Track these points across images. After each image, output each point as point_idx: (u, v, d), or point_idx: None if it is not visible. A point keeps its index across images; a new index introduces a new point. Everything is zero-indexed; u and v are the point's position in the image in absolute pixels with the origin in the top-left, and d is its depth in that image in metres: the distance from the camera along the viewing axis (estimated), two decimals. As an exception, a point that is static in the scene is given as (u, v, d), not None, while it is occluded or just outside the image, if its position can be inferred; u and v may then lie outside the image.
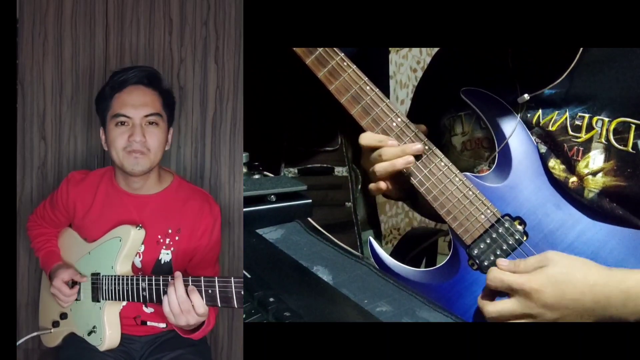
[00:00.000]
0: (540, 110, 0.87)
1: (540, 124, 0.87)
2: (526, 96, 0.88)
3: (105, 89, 1.14)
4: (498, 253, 0.84)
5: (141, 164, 1.11)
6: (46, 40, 1.48)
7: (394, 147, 0.88)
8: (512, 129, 0.88)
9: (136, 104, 1.10)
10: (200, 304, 0.92)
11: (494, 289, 0.78)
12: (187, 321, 0.94)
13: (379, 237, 1.43)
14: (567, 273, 0.74)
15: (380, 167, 0.89)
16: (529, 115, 0.88)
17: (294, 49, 0.91)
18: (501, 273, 0.78)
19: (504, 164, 0.88)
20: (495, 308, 0.77)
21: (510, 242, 0.84)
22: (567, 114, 0.84)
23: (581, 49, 0.85)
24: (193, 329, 1.03)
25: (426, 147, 0.88)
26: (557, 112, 0.86)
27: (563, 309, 0.73)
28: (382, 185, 0.91)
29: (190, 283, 0.93)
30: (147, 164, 1.12)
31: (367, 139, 0.90)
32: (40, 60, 1.49)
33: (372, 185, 0.94)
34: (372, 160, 0.90)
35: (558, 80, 0.86)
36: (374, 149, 0.89)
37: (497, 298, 0.80)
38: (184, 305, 0.92)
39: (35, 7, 1.47)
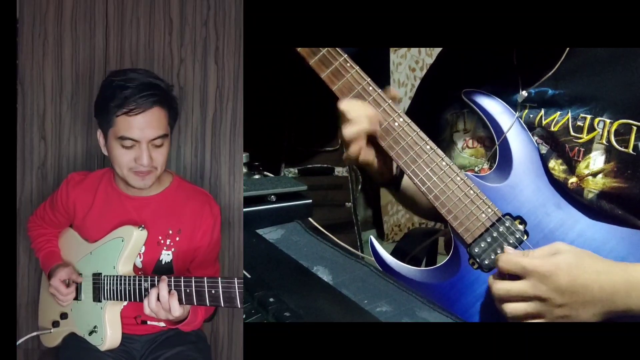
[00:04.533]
0: (542, 110, 0.88)
1: (543, 125, 0.87)
2: (524, 93, 0.88)
3: (107, 102, 1.05)
4: (498, 252, 0.84)
5: (147, 181, 1.10)
6: (46, 40, 1.48)
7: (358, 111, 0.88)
8: (510, 124, 0.89)
9: (143, 127, 1.04)
10: (176, 308, 0.96)
11: (507, 271, 0.76)
12: (166, 317, 0.99)
13: (381, 236, 1.43)
14: (578, 259, 0.75)
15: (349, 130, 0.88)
16: (531, 115, 0.89)
17: (298, 50, 0.91)
18: (514, 256, 0.77)
19: (505, 164, 0.89)
20: (504, 286, 0.76)
21: (511, 241, 0.84)
22: (569, 114, 0.85)
23: (567, 49, 0.86)
24: (179, 321, 1.06)
25: (428, 147, 0.88)
26: (559, 112, 0.86)
27: (573, 294, 0.73)
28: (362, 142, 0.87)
29: (193, 284, 0.94)
30: (153, 179, 1.11)
31: (345, 104, 0.89)
32: (40, 60, 1.49)
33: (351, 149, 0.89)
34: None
35: (546, 76, 0.87)
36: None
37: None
38: (165, 306, 0.97)
39: (35, 7, 1.47)
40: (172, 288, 0.97)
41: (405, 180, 1.02)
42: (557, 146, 0.85)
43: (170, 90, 1.11)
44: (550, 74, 0.87)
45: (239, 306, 0.87)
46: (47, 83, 1.50)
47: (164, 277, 0.97)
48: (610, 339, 0.68)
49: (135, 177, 1.09)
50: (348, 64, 0.90)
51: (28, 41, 1.48)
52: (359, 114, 0.87)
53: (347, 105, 0.88)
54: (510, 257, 0.76)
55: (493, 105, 0.91)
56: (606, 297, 0.73)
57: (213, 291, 0.91)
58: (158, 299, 0.97)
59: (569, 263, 0.74)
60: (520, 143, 0.88)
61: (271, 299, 0.67)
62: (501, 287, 0.76)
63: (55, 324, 1.21)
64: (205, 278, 0.93)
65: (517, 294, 0.75)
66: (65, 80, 1.49)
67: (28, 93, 1.49)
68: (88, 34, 1.48)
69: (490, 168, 0.93)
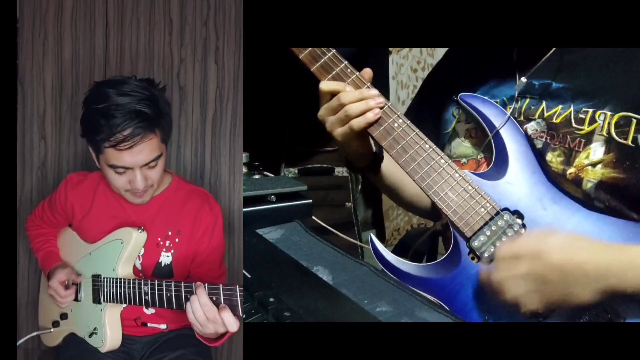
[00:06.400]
0: (544, 103, 0.89)
1: (545, 117, 0.89)
2: (523, 79, 0.90)
3: (92, 134, 1.01)
4: (498, 245, 0.86)
5: (145, 198, 1.10)
6: (46, 40, 1.48)
7: (352, 92, 0.88)
8: (503, 122, 0.91)
9: (134, 154, 1.00)
10: (232, 321, 0.87)
11: (504, 260, 0.78)
12: (215, 329, 0.90)
13: (382, 237, 1.43)
14: (572, 239, 0.77)
15: (355, 107, 0.87)
16: (532, 107, 0.91)
17: (300, 57, 0.92)
18: (508, 244, 0.79)
19: (501, 161, 0.91)
20: (502, 272, 0.78)
21: (510, 234, 0.85)
22: (572, 108, 0.86)
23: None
24: (218, 337, 0.99)
25: (427, 146, 0.89)
26: (561, 106, 0.88)
27: (567, 273, 0.74)
28: (370, 116, 0.87)
29: (194, 289, 0.91)
30: (151, 194, 1.11)
31: (326, 84, 0.90)
32: (40, 60, 1.49)
33: (343, 128, 0.89)
34: (331, 107, 0.90)
35: (541, 61, 0.88)
36: (333, 95, 0.90)
37: None
38: (210, 314, 0.89)
39: (35, 7, 1.47)
40: (172, 292, 0.96)
41: (386, 167, 1.03)
42: (557, 137, 0.87)
43: (161, 100, 1.06)
44: (544, 58, 0.89)
45: (241, 314, 0.86)
46: (47, 83, 1.49)
47: (200, 283, 0.90)
48: (609, 339, 0.68)
49: (133, 197, 1.09)
50: (349, 70, 0.91)
51: (28, 41, 1.48)
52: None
53: (330, 86, 0.89)
54: (504, 246, 0.79)
55: (487, 109, 0.93)
56: (601, 276, 0.74)
57: (214, 298, 0.89)
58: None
59: (563, 242, 0.76)
60: (515, 141, 0.90)
61: (271, 299, 0.67)
62: (500, 271, 0.78)
63: (55, 324, 1.21)
64: (207, 284, 0.90)
65: (515, 274, 0.76)
66: (65, 80, 1.49)
67: (28, 93, 1.49)
68: (88, 34, 1.48)
69: (486, 159, 0.95)
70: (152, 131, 1.02)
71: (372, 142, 0.99)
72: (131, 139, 0.98)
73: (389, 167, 1.04)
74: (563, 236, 0.77)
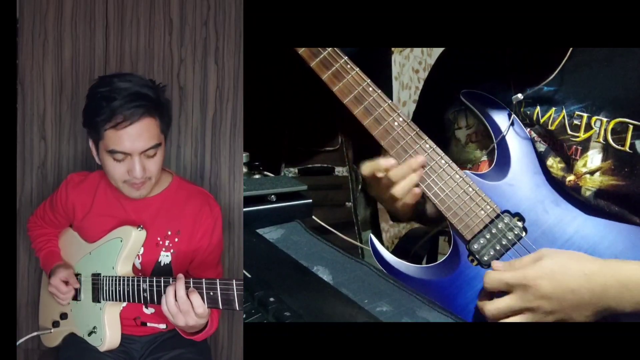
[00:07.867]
0: (538, 107, 0.89)
1: (540, 122, 0.88)
2: (520, 96, 0.89)
3: (93, 117, 1.02)
4: (498, 248, 0.85)
5: (142, 191, 1.10)
6: (46, 40, 1.48)
7: (400, 167, 0.88)
8: (507, 125, 0.90)
9: (133, 139, 1.01)
10: (199, 304, 0.91)
11: (492, 290, 0.79)
12: (185, 322, 0.94)
13: (378, 237, 1.43)
14: (562, 264, 0.76)
15: (400, 189, 0.89)
16: (528, 112, 0.90)
17: (299, 52, 0.92)
18: (497, 273, 0.79)
19: (503, 162, 0.90)
20: (494, 305, 0.78)
21: (510, 237, 0.85)
22: (564, 111, 0.85)
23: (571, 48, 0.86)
24: (195, 332, 1.03)
25: (427, 146, 0.89)
26: (554, 108, 0.87)
27: (560, 300, 0.74)
28: (417, 190, 0.89)
29: (191, 285, 0.93)
30: (148, 188, 1.11)
31: (367, 167, 0.91)
32: (40, 60, 1.49)
33: (407, 199, 0.90)
34: (383, 186, 0.91)
35: (550, 77, 0.87)
36: (374, 175, 0.90)
37: (496, 297, 0.80)
38: (183, 306, 0.92)
39: (35, 7, 1.47)
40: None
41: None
42: (555, 144, 0.86)
43: (161, 94, 1.08)
44: (549, 79, 0.87)
45: (237, 308, 0.87)
46: (47, 83, 1.49)
47: (181, 275, 0.94)
48: (609, 339, 0.68)
49: (130, 189, 1.08)
50: (348, 66, 0.91)
51: (28, 41, 1.48)
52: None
53: (369, 169, 0.91)
54: (493, 276, 0.79)
55: (490, 106, 0.92)
56: (598, 299, 0.73)
57: (211, 293, 0.90)
58: (176, 299, 0.93)
59: (551, 269, 0.75)
60: (518, 142, 0.90)
61: (271, 299, 0.67)
62: (492, 307, 0.78)
63: (55, 324, 1.21)
64: (204, 280, 0.92)
65: (508, 309, 0.76)
66: (65, 80, 1.49)
67: (28, 93, 1.49)
68: (88, 34, 1.48)
69: (489, 162, 0.94)
70: (151, 115, 1.03)
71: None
72: (130, 118, 1.00)
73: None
74: (550, 261, 0.76)
